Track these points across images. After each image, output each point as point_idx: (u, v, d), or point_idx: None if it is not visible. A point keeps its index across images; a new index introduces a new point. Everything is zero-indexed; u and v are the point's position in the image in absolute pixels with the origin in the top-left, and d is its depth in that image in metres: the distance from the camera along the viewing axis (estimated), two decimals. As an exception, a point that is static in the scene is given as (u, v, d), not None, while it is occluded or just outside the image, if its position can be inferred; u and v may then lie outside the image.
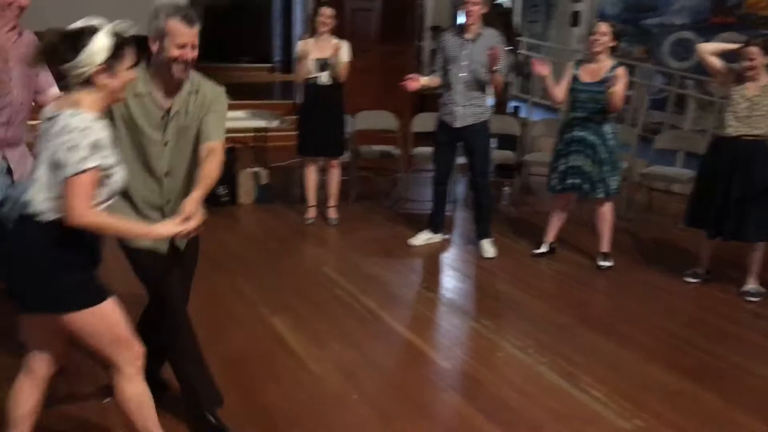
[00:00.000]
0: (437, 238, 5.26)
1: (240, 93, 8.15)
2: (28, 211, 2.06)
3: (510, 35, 7.33)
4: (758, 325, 4.09)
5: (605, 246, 4.89)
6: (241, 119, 6.25)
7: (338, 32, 5.48)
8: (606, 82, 4.53)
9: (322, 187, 5.78)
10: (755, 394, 3.29)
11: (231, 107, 6.77)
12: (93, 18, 2.11)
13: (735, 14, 8.49)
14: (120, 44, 2.08)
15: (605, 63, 4.61)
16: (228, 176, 5.97)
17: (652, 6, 9.43)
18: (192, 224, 2.27)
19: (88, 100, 2.08)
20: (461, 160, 5.29)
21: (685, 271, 4.72)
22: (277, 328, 3.72)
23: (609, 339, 3.79)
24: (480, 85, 4.86)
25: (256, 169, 6.13)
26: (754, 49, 4.14)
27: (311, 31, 5.39)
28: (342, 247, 5.27)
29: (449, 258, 5.09)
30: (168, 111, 2.54)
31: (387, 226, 5.68)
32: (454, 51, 4.84)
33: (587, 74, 4.63)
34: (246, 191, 6.08)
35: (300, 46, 5.39)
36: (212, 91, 2.63)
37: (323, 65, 5.28)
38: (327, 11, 5.29)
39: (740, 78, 4.25)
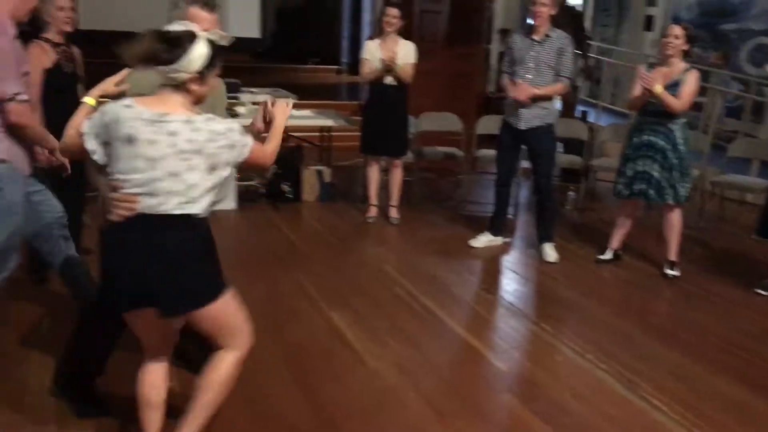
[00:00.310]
0: (498, 240, 5.23)
1: (307, 93, 8.31)
2: (184, 213, 2.11)
3: (580, 38, 7.21)
4: (833, 341, 3.92)
5: (672, 254, 4.77)
6: (306, 118, 6.35)
7: (406, 33, 5.51)
8: (677, 86, 4.43)
9: (385, 187, 5.82)
10: (827, 412, 3.16)
11: (297, 106, 6.90)
12: (188, 23, 2.19)
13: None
14: (214, 54, 2.15)
15: (677, 66, 4.50)
16: (292, 174, 6.09)
17: (730, 11, 9.14)
18: None
19: (181, 102, 2.14)
20: (525, 163, 5.25)
21: (757, 282, 4.56)
22: (337, 324, 3.77)
23: (672, 348, 3.70)
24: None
25: (320, 167, 6.22)
26: None
27: (378, 31, 5.43)
28: (402, 247, 5.29)
29: (510, 261, 5.05)
30: None
31: (448, 227, 5.67)
32: (521, 52, 4.81)
33: (658, 78, 4.52)
34: (310, 189, 6.17)
35: (367, 46, 5.44)
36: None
37: (391, 67, 5.32)
38: (393, 11, 5.33)
39: None
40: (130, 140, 2.08)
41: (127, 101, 2.14)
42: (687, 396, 3.18)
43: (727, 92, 8.43)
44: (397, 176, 5.67)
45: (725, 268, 4.97)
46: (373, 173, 5.69)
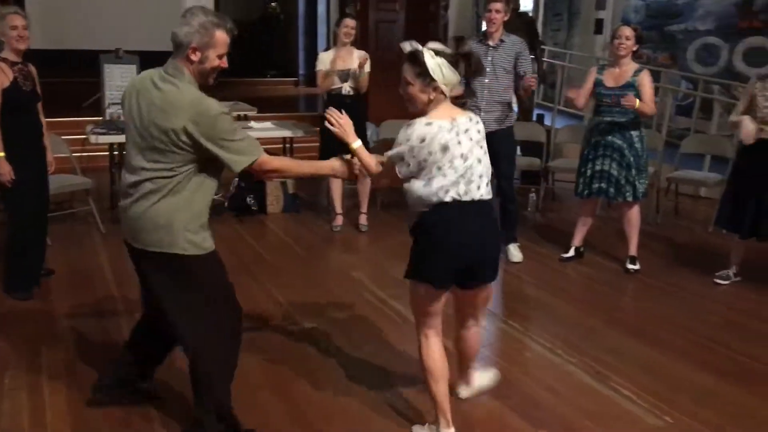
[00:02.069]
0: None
1: (267, 106, 8.32)
2: (487, 198, 2.64)
3: (534, 43, 7.35)
4: (790, 326, 4.07)
5: (633, 249, 4.90)
6: (267, 130, 6.35)
7: (362, 43, 5.59)
8: (630, 86, 4.56)
9: (349, 195, 5.85)
10: (788, 393, 3.28)
11: (258, 119, 6.90)
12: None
13: (761, 18, 8.45)
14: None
15: (629, 67, 4.64)
16: (256, 186, 6.09)
17: (676, 12, 9.42)
18: None
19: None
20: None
21: (715, 273, 4.71)
22: (310, 332, 3.78)
23: (638, 340, 3.80)
24: (503, 93, 4.91)
25: (283, 179, 6.23)
26: None
27: (334, 41, 5.49)
28: (370, 253, 5.33)
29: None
30: None
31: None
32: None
33: (611, 79, 4.65)
34: (274, 200, 6.17)
35: (320, 57, 5.49)
36: None
37: (345, 76, 5.37)
38: (350, 22, 5.39)
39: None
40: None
41: None
42: (655, 385, 3.27)
43: (677, 91, 8.68)
44: (365, 184, 5.71)
45: (684, 261, 5.12)
46: (337, 183, 5.72)
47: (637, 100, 4.48)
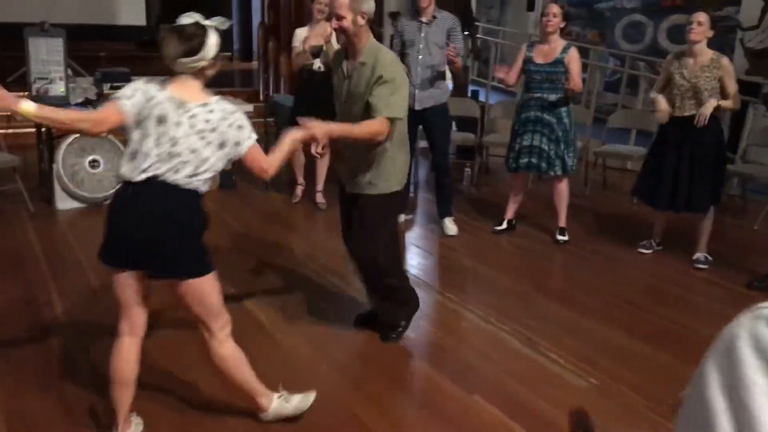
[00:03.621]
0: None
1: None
2: (184, 187, 2.32)
3: (467, 20, 7.45)
4: (709, 291, 4.31)
5: (562, 221, 5.08)
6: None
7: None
8: (559, 63, 4.69)
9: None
10: (703, 352, 3.49)
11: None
12: (192, 14, 2.40)
13: (683, -3, 8.76)
14: (221, 40, 2.40)
15: (557, 44, 4.77)
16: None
17: (604, -10, 9.68)
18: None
19: (198, 87, 2.39)
20: (423, 142, 5.41)
21: (639, 243, 4.93)
22: (246, 306, 3.81)
23: (566, 307, 3.97)
24: (437, 68, 4.98)
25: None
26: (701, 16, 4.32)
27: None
28: (308, 228, 5.37)
29: (413, 236, 5.22)
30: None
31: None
32: (411, 35, 4.96)
33: (541, 55, 4.78)
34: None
35: (296, 34, 5.47)
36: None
37: (318, 52, 5.36)
38: None
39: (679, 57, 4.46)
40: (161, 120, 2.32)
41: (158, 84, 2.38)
42: (581, 349, 3.44)
43: (605, 68, 8.95)
44: (324, 160, 5.73)
45: (610, 232, 5.34)
46: (300, 156, 5.73)
47: (579, 85, 4.66)
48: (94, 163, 5.42)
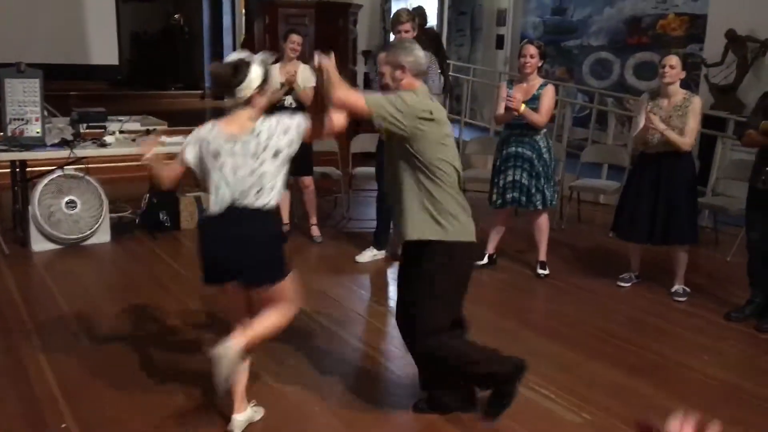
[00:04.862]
0: (382, 254, 5.40)
1: (174, 120, 8.15)
2: (256, 206, 2.69)
3: (440, 58, 7.57)
4: (689, 323, 4.37)
5: (542, 255, 5.13)
6: (180, 144, 6.23)
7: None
8: (536, 99, 4.80)
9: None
10: (692, 385, 3.55)
11: (168, 133, 6.73)
12: (241, 52, 2.81)
13: (648, 35, 9.04)
14: (267, 71, 2.76)
15: (535, 82, 4.88)
16: (170, 202, 5.97)
17: (571, 29, 9.93)
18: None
19: (247, 116, 2.74)
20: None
21: (618, 276, 5.00)
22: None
23: (552, 341, 3.99)
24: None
25: (198, 193, 6.14)
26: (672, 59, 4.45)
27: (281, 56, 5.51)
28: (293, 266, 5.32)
29: (395, 272, 5.20)
30: None
31: (333, 244, 5.78)
32: (391, 73, 5.01)
33: (520, 93, 4.86)
34: (188, 216, 6.06)
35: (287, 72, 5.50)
36: None
37: (289, 90, 5.40)
38: (296, 38, 5.46)
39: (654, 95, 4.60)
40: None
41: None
42: (571, 383, 3.46)
43: (574, 103, 9.14)
44: (310, 195, 5.75)
45: (588, 264, 5.41)
46: (285, 195, 5.72)
47: (523, 105, 4.69)
48: (71, 204, 5.35)
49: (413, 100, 2.80)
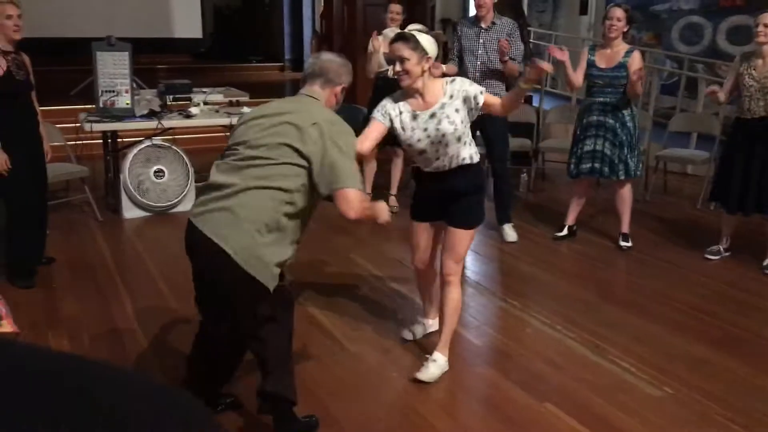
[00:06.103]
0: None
1: (255, 91, 8.31)
2: (468, 162, 3.11)
3: (521, 25, 7.41)
4: (779, 298, 4.19)
5: (625, 227, 4.99)
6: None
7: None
8: (622, 67, 4.63)
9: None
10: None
11: (250, 104, 6.88)
12: (414, 24, 3.05)
13: (743, -4, 8.54)
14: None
15: (620, 48, 4.71)
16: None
17: (660, -8, 9.51)
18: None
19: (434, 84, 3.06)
20: (480, 149, 5.38)
21: (704, 248, 4.82)
22: (311, 313, 3.85)
23: (634, 314, 3.90)
24: (496, 74, 4.97)
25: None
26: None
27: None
28: (367, 235, 5.38)
29: (473, 243, 5.18)
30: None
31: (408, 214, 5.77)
32: (470, 41, 4.96)
33: (603, 60, 4.72)
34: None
35: (371, 41, 5.54)
36: None
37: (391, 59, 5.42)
38: (396, 7, 5.50)
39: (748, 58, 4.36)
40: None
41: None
42: (652, 357, 3.38)
43: (662, 70, 8.78)
44: (399, 164, 5.81)
45: (674, 237, 5.23)
46: (371, 166, 5.80)
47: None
48: (158, 173, 5.55)
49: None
